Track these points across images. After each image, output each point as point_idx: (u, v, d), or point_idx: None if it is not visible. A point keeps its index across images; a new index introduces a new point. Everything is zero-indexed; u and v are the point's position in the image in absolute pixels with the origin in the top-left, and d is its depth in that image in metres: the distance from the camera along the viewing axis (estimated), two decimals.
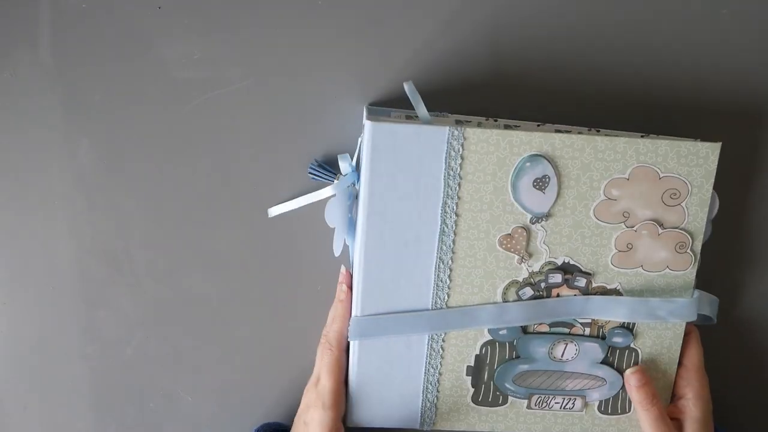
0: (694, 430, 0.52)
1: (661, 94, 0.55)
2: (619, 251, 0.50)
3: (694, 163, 0.49)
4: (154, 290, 0.58)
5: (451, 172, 0.48)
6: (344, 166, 0.53)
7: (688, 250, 0.50)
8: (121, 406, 0.59)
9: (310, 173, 0.55)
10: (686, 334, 0.53)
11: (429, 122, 0.49)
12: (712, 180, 0.49)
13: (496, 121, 0.52)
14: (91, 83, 0.55)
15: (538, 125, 0.53)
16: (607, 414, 0.54)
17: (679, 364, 0.54)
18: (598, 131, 0.52)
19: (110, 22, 0.54)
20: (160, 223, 0.57)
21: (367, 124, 0.47)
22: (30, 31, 0.54)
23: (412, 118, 0.52)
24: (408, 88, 0.49)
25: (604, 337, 0.52)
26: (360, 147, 0.50)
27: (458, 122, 0.51)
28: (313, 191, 0.54)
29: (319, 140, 0.55)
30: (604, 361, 0.53)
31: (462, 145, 0.47)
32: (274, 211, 0.55)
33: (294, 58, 0.55)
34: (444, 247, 0.49)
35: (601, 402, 0.54)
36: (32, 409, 0.59)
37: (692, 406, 0.52)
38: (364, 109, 0.53)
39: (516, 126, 0.52)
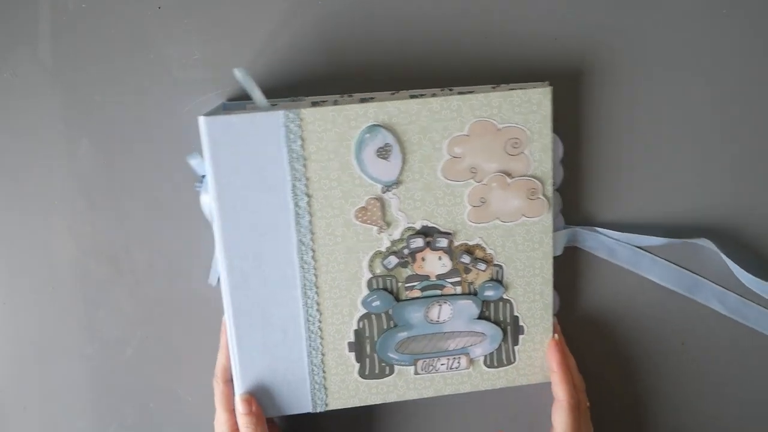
0: None
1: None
2: (473, 207, 0.51)
3: (528, 110, 0.50)
4: (154, 290, 0.58)
5: (294, 155, 0.49)
6: (196, 163, 0.53)
7: (540, 196, 0.52)
8: (121, 406, 0.59)
9: (196, 188, 0.55)
10: (557, 400, 0.55)
11: (266, 108, 0.49)
12: (550, 123, 0.51)
13: (351, 96, 0.53)
14: (91, 83, 0.55)
15: (393, 93, 0.53)
16: (494, 367, 0.55)
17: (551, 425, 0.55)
18: (451, 90, 0.53)
19: (110, 22, 0.54)
20: (160, 223, 0.57)
21: (201, 120, 0.47)
22: (30, 31, 0.54)
23: (276, 105, 0.52)
24: (239, 74, 0.49)
25: (476, 293, 0.53)
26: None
27: (314, 104, 0.51)
28: None
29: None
30: (481, 317, 0.54)
31: (299, 126, 0.48)
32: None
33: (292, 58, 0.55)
34: (302, 230, 0.50)
35: (486, 357, 0.55)
36: (32, 409, 0.59)
37: (560, 421, 0.54)
38: (222, 107, 0.53)
39: (371, 98, 0.52)
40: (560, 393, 0.54)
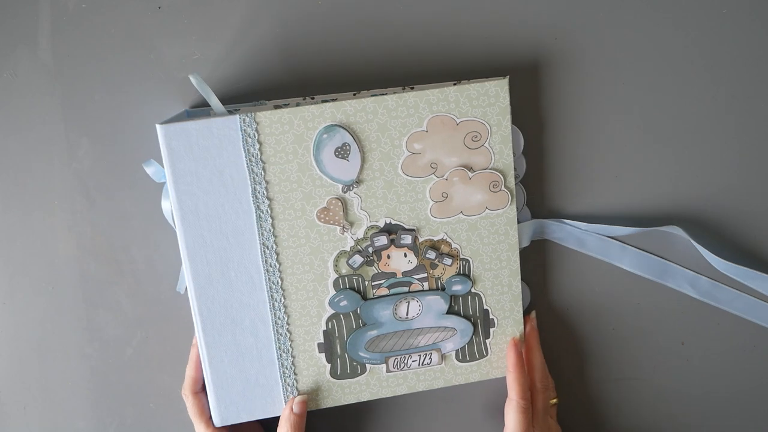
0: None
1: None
2: (436, 202, 0.51)
3: (486, 103, 0.50)
4: (154, 290, 0.58)
5: (253, 159, 0.49)
6: (153, 171, 0.53)
7: (502, 188, 0.52)
8: (121, 406, 0.59)
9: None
10: (510, 399, 0.54)
11: (223, 113, 0.49)
12: (508, 116, 0.51)
13: (313, 98, 0.53)
14: (91, 83, 0.55)
15: (354, 94, 0.53)
16: (466, 361, 0.55)
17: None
18: (412, 88, 0.53)
19: (110, 22, 0.54)
20: (159, 223, 0.57)
21: (158, 128, 0.48)
22: (30, 31, 0.54)
23: (234, 112, 0.52)
24: (194, 80, 0.49)
25: (443, 288, 0.53)
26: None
27: (276, 107, 0.51)
28: None
29: None
30: (450, 311, 0.54)
31: (256, 130, 0.48)
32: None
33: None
34: (265, 233, 0.50)
35: (457, 351, 0.55)
36: (32, 409, 0.59)
37: (510, 419, 0.54)
38: (185, 114, 0.54)
39: (333, 99, 0.52)
40: (513, 393, 0.54)
